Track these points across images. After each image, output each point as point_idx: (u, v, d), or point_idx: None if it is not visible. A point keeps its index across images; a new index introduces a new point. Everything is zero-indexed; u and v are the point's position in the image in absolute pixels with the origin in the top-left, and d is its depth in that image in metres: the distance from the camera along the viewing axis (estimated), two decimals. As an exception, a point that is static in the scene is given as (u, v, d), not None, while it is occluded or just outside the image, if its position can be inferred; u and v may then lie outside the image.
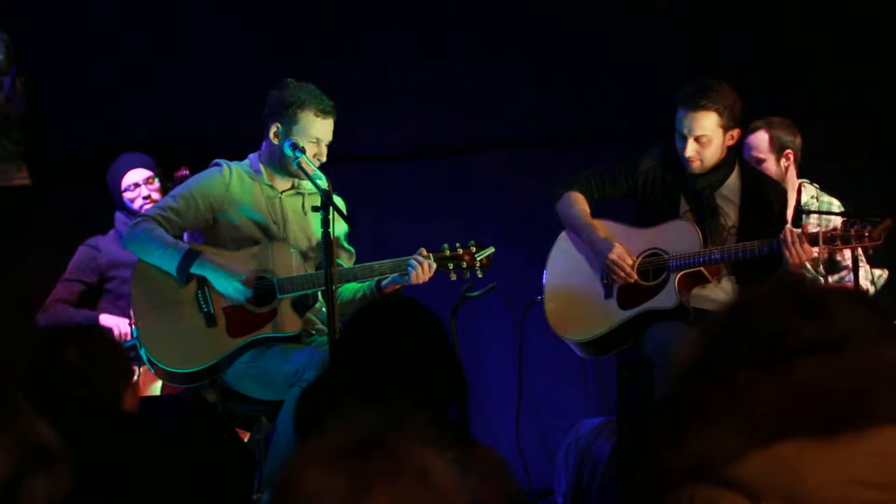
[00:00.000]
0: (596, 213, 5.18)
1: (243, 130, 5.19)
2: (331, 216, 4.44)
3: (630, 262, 4.98)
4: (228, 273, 4.72)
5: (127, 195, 5.79)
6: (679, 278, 4.89)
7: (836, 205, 5.62)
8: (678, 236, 4.94)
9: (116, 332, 5.51)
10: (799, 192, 5.59)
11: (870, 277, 5.32)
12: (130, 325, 5.30)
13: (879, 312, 1.94)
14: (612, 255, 4.97)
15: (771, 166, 5.53)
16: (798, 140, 5.64)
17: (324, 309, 4.76)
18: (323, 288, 4.53)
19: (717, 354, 1.92)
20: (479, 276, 4.88)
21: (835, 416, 1.83)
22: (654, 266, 4.98)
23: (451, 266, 4.84)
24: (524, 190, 6.43)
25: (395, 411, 1.82)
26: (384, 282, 4.83)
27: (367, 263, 4.83)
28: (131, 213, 5.71)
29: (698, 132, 4.91)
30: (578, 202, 5.15)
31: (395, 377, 2.81)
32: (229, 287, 4.72)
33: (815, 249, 4.77)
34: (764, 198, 5.04)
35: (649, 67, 6.43)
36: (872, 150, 6.42)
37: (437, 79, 6.59)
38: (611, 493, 5.24)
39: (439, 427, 2.57)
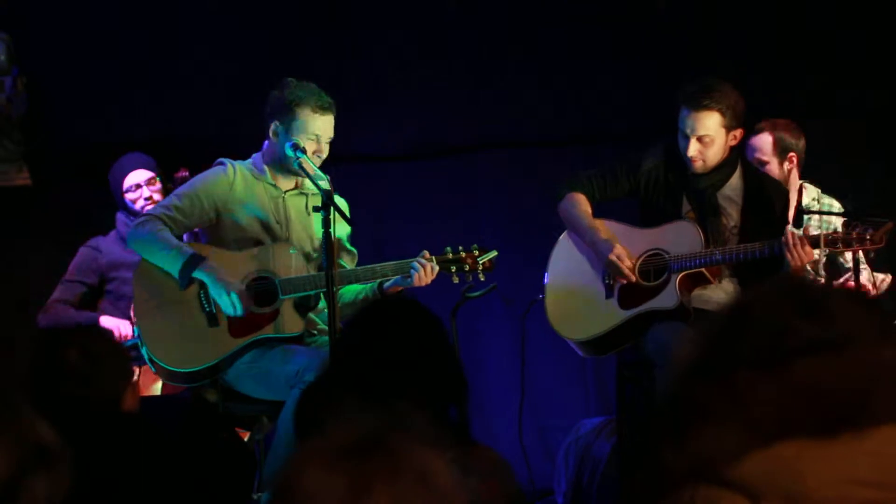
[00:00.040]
0: (598, 213, 5.18)
1: (243, 130, 5.20)
2: (331, 217, 4.45)
3: (630, 263, 4.98)
4: (226, 288, 4.71)
5: (128, 196, 5.79)
6: (680, 279, 4.90)
7: (837, 206, 5.62)
8: (680, 237, 4.94)
9: (117, 334, 5.51)
10: (800, 192, 5.59)
11: (872, 280, 5.32)
12: (133, 324, 5.30)
13: (879, 313, 1.94)
14: (612, 256, 4.97)
15: (774, 169, 5.53)
16: (802, 142, 5.64)
17: (326, 309, 4.75)
18: (325, 289, 4.53)
19: (717, 355, 1.92)
20: (482, 279, 4.89)
21: (835, 416, 1.83)
22: (656, 266, 4.98)
23: (453, 269, 4.85)
24: (524, 190, 6.43)
25: (395, 411, 1.82)
26: (386, 284, 4.83)
27: (369, 265, 4.83)
28: (132, 214, 5.71)
29: (701, 132, 4.91)
30: (580, 203, 5.15)
31: (396, 377, 2.81)
32: (226, 300, 4.71)
33: (817, 252, 4.77)
34: (766, 198, 5.04)
35: (649, 67, 6.43)
36: (872, 150, 6.43)
37: (437, 79, 6.59)
38: (611, 493, 5.24)
39: (439, 427, 2.56)
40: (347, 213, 4.79)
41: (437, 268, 4.78)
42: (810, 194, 5.66)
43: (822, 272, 5.44)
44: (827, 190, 5.75)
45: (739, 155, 5.12)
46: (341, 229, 4.87)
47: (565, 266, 5.19)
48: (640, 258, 5.01)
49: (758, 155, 5.56)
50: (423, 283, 4.73)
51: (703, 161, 4.96)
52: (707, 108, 4.88)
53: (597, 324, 5.04)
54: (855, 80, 6.42)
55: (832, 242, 4.72)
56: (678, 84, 5.02)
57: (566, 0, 6.60)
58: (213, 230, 4.90)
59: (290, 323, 4.76)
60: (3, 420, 2.03)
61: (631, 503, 2.00)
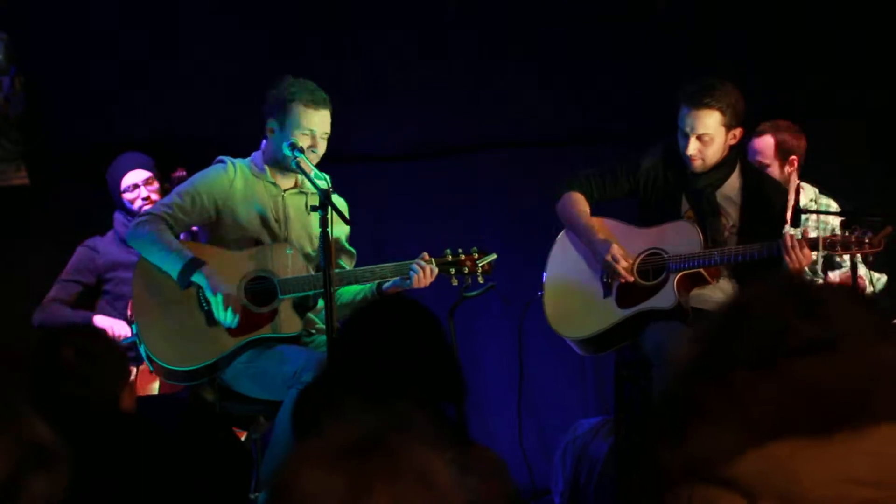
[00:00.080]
0: (597, 212, 5.18)
1: (243, 130, 5.20)
2: (329, 216, 4.45)
3: (626, 264, 4.98)
4: (223, 295, 4.71)
5: (126, 196, 5.79)
6: (678, 279, 4.89)
7: (834, 206, 5.64)
8: (679, 236, 4.94)
9: (111, 334, 5.51)
10: (798, 192, 5.59)
11: (869, 278, 5.33)
12: (131, 321, 5.30)
13: (877, 312, 1.94)
14: (609, 257, 4.97)
15: (775, 171, 5.54)
16: (802, 143, 5.66)
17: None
18: (323, 290, 4.54)
19: (714, 354, 1.92)
20: (481, 281, 4.89)
21: (832, 415, 1.84)
22: (654, 266, 4.98)
23: (452, 271, 4.86)
24: (524, 190, 6.43)
25: (394, 411, 1.82)
26: (385, 285, 4.83)
27: (368, 266, 4.83)
28: (130, 214, 5.71)
29: (701, 130, 4.91)
30: (578, 202, 5.15)
31: (394, 377, 2.81)
32: (220, 307, 4.71)
33: (815, 254, 4.77)
34: (765, 198, 5.04)
35: (649, 67, 6.43)
36: (872, 150, 6.43)
37: (437, 79, 6.59)
38: (608, 492, 5.24)
39: (438, 427, 2.56)
40: (346, 213, 4.79)
41: (436, 270, 4.78)
42: (808, 194, 5.67)
43: (820, 273, 5.44)
44: (825, 190, 5.76)
45: (739, 154, 5.12)
46: (340, 229, 4.88)
47: (564, 264, 5.19)
48: (638, 257, 5.01)
49: (759, 158, 5.57)
50: (422, 285, 4.73)
51: (703, 160, 4.96)
52: (707, 106, 4.88)
53: (595, 322, 5.05)
54: (855, 80, 6.42)
55: (831, 245, 4.72)
56: (678, 84, 5.01)
57: (566, 0, 6.60)
58: (213, 228, 4.91)
59: (289, 323, 4.76)
60: (2, 420, 2.03)
61: (628, 503, 2.00)
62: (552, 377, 6.41)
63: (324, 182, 4.68)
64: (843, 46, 6.39)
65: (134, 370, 5.29)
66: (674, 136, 5.01)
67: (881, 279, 5.45)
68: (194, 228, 5.07)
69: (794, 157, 5.61)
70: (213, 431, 4.67)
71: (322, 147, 4.84)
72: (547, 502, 5.79)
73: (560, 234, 5.23)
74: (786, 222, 5.12)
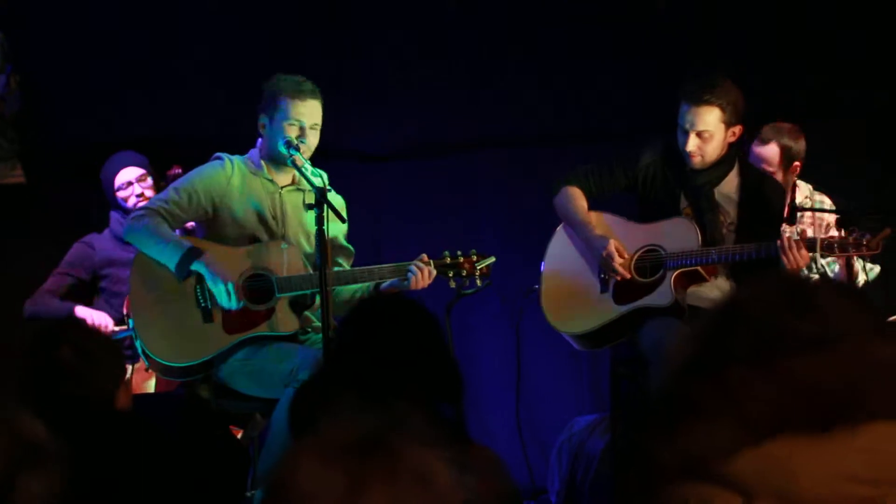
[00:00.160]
0: (597, 207, 5.18)
1: (243, 130, 5.19)
2: (325, 214, 4.45)
3: (623, 261, 4.98)
4: (223, 279, 4.72)
5: (120, 194, 5.81)
6: (675, 276, 4.89)
7: (828, 203, 5.68)
8: (676, 234, 4.94)
9: (89, 323, 5.53)
10: (793, 189, 5.62)
11: (862, 266, 5.35)
12: (127, 317, 5.30)
13: (872, 309, 1.94)
14: (606, 253, 4.97)
15: (778, 177, 5.55)
16: (803, 145, 5.69)
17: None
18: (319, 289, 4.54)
19: (709, 351, 1.92)
20: (479, 284, 4.90)
21: (827, 412, 1.83)
22: (652, 262, 4.98)
23: (451, 273, 4.87)
24: (524, 190, 6.43)
25: (392, 410, 1.81)
26: (383, 285, 4.83)
27: (367, 266, 4.83)
28: (125, 212, 5.72)
29: (700, 127, 4.91)
30: (576, 197, 5.15)
31: (392, 375, 2.81)
32: (222, 292, 4.72)
33: (812, 255, 4.78)
34: (764, 196, 5.04)
35: (649, 67, 6.43)
36: (872, 150, 6.42)
37: (437, 79, 6.60)
38: (604, 490, 5.24)
39: (436, 426, 2.56)
40: (343, 211, 4.79)
41: (434, 272, 4.79)
42: (802, 191, 5.70)
43: (818, 266, 5.45)
44: (819, 187, 5.77)
45: (738, 152, 5.11)
46: (337, 227, 4.88)
47: (561, 259, 5.19)
48: (636, 254, 5.01)
49: (764, 165, 5.58)
50: (420, 287, 4.74)
51: (702, 157, 4.96)
52: (707, 103, 4.88)
53: (591, 318, 5.05)
54: (855, 80, 6.42)
55: (829, 247, 4.72)
56: (678, 84, 5.01)
57: (566, 0, 6.60)
58: (210, 225, 4.91)
59: (285, 321, 4.77)
60: (-3, 419, 2.03)
61: (624, 501, 2.00)
62: (548, 374, 6.41)
63: (319, 180, 4.68)
64: (843, 46, 6.38)
65: (129, 368, 5.30)
66: (674, 136, 5.01)
67: (874, 269, 5.48)
68: (191, 225, 5.07)
69: (797, 163, 5.65)
70: (209, 429, 4.67)
71: (312, 139, 4.84)
72: (543, 501, 5.79)
73: (558, 229, 5.23)
74: (783, 220, 5.13)
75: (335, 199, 4.79)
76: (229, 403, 4.80)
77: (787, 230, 5.22)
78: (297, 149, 4.74)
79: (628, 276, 4.97)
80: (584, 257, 5.14)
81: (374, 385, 2.76)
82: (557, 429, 5.81)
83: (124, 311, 5.51)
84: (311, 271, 4.80)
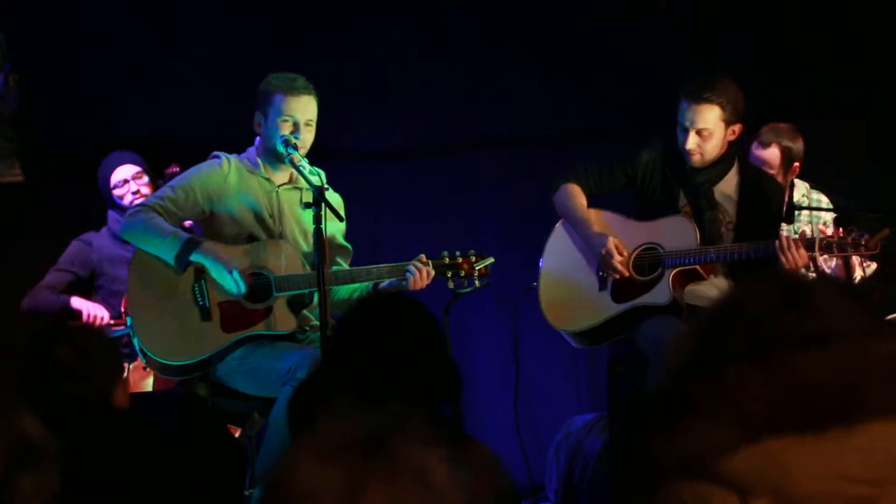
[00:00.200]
0: (596, 204, 5.18)
1: (243, 130, 5.19)
2: (323, 213, 4.46)
3: (621, 258, 4.98)
4: (227, 266, 4.73)
5: (116, 192, 5.82)
6: (673, 275, 4.89)
7: (826, 202, 5.70)
8: (675, 232, 4.94)
9: (85, 314, 5.55)
10: (791, 188, 5.63)
11: (859, 261, 5.37)
12: (125, 314, 5.31)
13: (869, 308, 1.94)
14: (605, 252, 4.97)
15: (779, 178, 5.56)
16: (801, 145, 5.72)
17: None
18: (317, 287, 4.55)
19: (707, 350, 1.92)
20: (477, 285, 4.90)
21: (824, 411, 1.83)
22: (650, 261, 4.98)
23: (449, 274, 4.87)
24: (524, 190, 6.43)
25: (391, 409, 1.81)
26: (381, 285, 4.83)
27: (365, 266, 4.83)
28: (122, 210, 5.73)
29: (700, 125, 4.90)
30: (575, 194, 5.15)
31: (391, 374, 2.81)
32: (227, 280, 4.73)
33: (812, 255, 4.78)
34: (763, 195, 5.03)
35: (649, 67, 6.43)
36: (872, 150, 6.42)
37: (437, 79, 6.60)
38: (602, 489, 5.24)
39: (434, 424, 2.56)
40: (342, 209, 4.78)
41: (432, 272, 4.78)
42: (799, 189, 5.71)
43: (814, 269, 5.46)
44: (815, 185, 5.78)
45: (738, 151, 5.11)
46: (335, 226, 4.87)
47: (560, 256, 5.19)
48: (634, 251, 5.01)
49: (766, 168, 5.59)
50: (419, 287, 4.73)
51: (701, 155, 4.95)
52: (707, 101, 4.88)
53: (589, 316, 5.04)
54: (855, 80, 6.42)
55: (827, 247, 4.72)
56: (678, 84, 5.01)
57: (566, 0, 6.60)
58: (208, 224, 4.91)
59: (283, 320, 4.77)
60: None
61: (622, 499, 2.00)
62: (546, 373, 6.41)
63: (317, 178, 4.68)
64: (843, 46, 6.39)
65: (127, 366, 5.31)
66: (674, 134, 5.00)
67: (871, 266, 5.49)
68: (188, 224, 5.07)
69: (797, 163, 5.67)
70: (207, 428, 4.67)
71: (307, 135, 4.84)
72: (541, 499, 5.80)
73: (556, 226, 5.22)
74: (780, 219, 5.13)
75: (333, 197, 4.79)
76: (227, 402, 4.80)
77: (784, 228, 5.23)
78: (296, 147, 4.75)
79: (627, 273, 4.97)
80: (582, 255, 5.14)
81: (372, 384, 2.76)
82: (555, 427, 5.81)
83: (122, 310, 5.52)
84: (309, 270, 4.80)
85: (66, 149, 6.37)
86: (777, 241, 4.72)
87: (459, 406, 2.90)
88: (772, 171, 5.56)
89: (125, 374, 3.28)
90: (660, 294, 4.89)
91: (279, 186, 4.92)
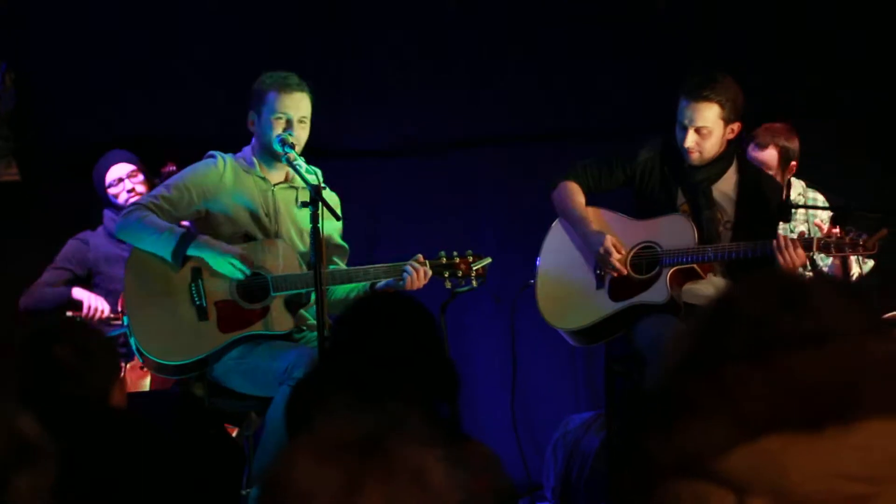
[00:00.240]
0: (594, 202, 5.18)
1: (243, 130, 5.19)
2: (320, 212, 4.46)
3: (620, 256, 4.98)
4: (225, 253, 4.73)
5: (111, 190, 5.84)
6: (671, 273, 4.89)
7: (821, 200, 5.70)
8: (673, 231, 4.93)
9: (86, 305, 5.55)
10: (787, 187, 5.63)
11: (857, 258, 5.38)
12: (122, 314, 5.31)
13: (867, 307, 1.94)
14: (602, 250, 4.97)
15: (777, 178, 5.56)
16: (797, 144, 5.73)
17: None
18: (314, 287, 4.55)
19: (704, 349, 1.92)
20: (474, 285, 4.89)
21: (821, 410, 1.83)
22: (648, 259, 4.97)
23: (446, 274, 4.87)
24: (523, 189, 6.43)
25: (388, 409, 1.81)
26: (378, 284, 4.83)
27: (362, 266, 4.83)
28: (118, 209, 5.73)
29: (699, 123, 4.90)
30: (574, 192, 5.14)
31: (388, 374, 2.81)
32: (227, 265, 4.73)
33: (810, 254, 4.78)
34: (761, 195, 5.03)
35: (649, 67, 6.43)
36: (872, 150, 6.42)
37: (437, 79, 6.60)
38: (599, 487, 5.24)
39: (432, 424, 2.56)
40: (338, 208, 4.78)
41: (430, 272, 4.78)
42: (795, 188, 5.72)
43: (811, 269, 5.46)
44: (811, 183, 5.79)
45: (736, 150, 5.11)
46: (331, 225, 4.87)
47: (557, 254, 5.19)
48: (632, 250, 5.01)
49: (764, 169, 5.59)
50: (416, 287, 4.73)
51: (700, 153, 4.95)
52: (706, 99, 4.87)
53: (587, 314, 5.04)
54: (855, 80, 6.42)
55: (825, 247, 4.72)
56: (678, 84, 5.01)
57: (566, 0, 6.60)
58: (204, 224, 4.90)
59: (280, 320, 4.76)
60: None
61: (619, 498, 2.00)
62: (543, 372, 6.41)
63: (314, 177, 4.68)
64: (843, 46, 6.39)
65: (124, 366, 5.31)
66: (673, 133, 5.00)
67: (868, 263, 5.49)
68: (185, 224, 5.07)
69: (794, 162, 5.69)
70: (204, 427, 4.67)
71: (301, 132, 4.84)
72: (538, 497, 5.80)
73: (554, 223, 5.22)
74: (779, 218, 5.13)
75: (330, 196, 4.78)
76: (224, 402, 4.80)
77: (781, 227, 5.23)
78: (293, 147, 4.75)
79: (625, 272, 4.97)
80: (580, 253, 5.13)
81: (369, 384, 2.76)
82: (553, 426, 5.82)
83: (119, 309, 5.52)
84: (306, 270, 4.81)
85: (66, 148, 6.37)
86: (775, 241, 4.72)
87: (457, 405, 2.90)
88: (770, 172, 5.56)
89: (122, 374, 3.27)
90: (657, 293, 4.89)
91: (275, 185, 4.92)
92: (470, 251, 4.90)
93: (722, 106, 4.88)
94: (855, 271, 5.46)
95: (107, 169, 5.86)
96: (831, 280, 2.25)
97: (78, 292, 5.63)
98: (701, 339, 1.94)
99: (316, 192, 4.48)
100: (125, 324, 4.89)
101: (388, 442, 1.66)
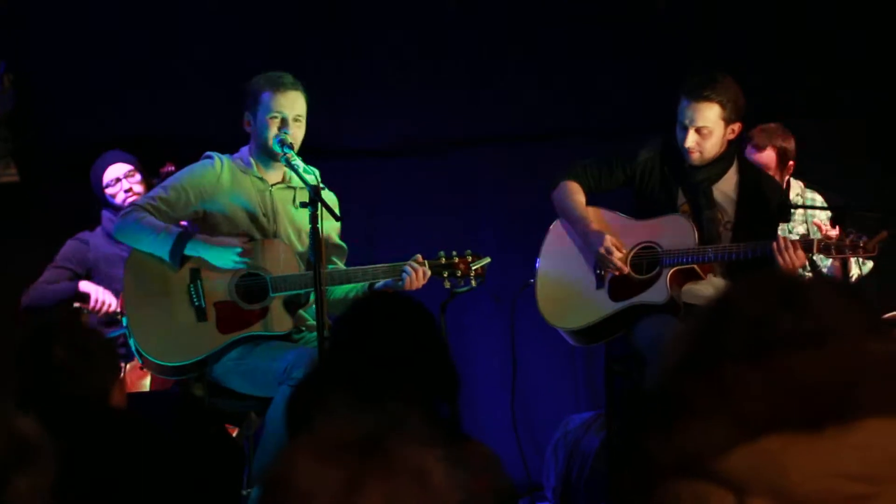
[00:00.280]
0: (595, 202, 5.18)
1: (243, 131, 5.20)
2: (319, 212, 4.46)
3: (621, 255, 4.97)
4: (224, 247, 4.74)
5: (109, 191, 5.83)
6: (671, 274, 4.89)
7: (820, 200, 5.71)
8: (674, 231, 4.93)
9: (94, 298, 5.55)
10: (787, 187, 5.65)
11: (856, 259, 5.39)
12: (121, 315, 5.31)
13: (865, 306, 1.94)
14: (602, 250, 4.96)
15: (776, 177, 5.57)
16: (793, 144, 5.73)
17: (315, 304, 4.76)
18: (313, 288, 4.55)
19: (703, 349, 1.92)
20: (473, 284, 4.89)
21: (821, 410, 1.83)
22: (648, 259, 4.97)
23: (445, 274, 4.86)
24: (523, 189, 6.43)
25: (390, 410, 1.81)
26: (377, 285, 4.83)
27: (361, 266, 4.83)
28: (116, 210, 5.73)
29: (700, 123, 4.89)
30: (574, 192, 5.14)
31: (389, 374, 2.81)
32: (227, 259, 4.73)
33: (811, 256, 4.79)
34: (762, 195, 5.03)
35: (649, 67, 6.43)
36: (872, 150, 6.42)
37: (437, 78, 6.60)
38: (599, 487, 5.25)
39: (432, 424, 2.56)
40: (336, 208, 4.78)
41: (429, 272, 4.78)
42: (794, 189, 5.72)
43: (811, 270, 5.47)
44: (810, 184, 5.79)
45: (737, 150, 5.11)
46: (330, 225, 4.86)
47: (557, 254, 5.18)
48: (632, 250, 5.01)
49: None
50: (415, 287, 4.73)
51: (701, 153, 4.94)
52: (707, 99, 4.87)
53: (586, 314, 5.04)
54: (855, 80, 6.42)
55: (826, 249, 4.72)
56: (678, 84, 5.01)
57: (566, 0, 6.60)
58: (202, 225, 4.90)
59: (279, 321, 4.76)
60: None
61: (619, 498, 2.00)
62: (543, 372, 6.41)
63: (313, 177, 4.68)
64: (843, 46, 6.39)
65: (124, 366, 5.31)
66: (673, 132, 5.00)
67: (867, 263, 5.50)
68: (184, 224, 5.08)
69: (791, 162, 5.70)
70: (204, 428, 4.67)
71: (297, 131, 4.84)
72: (539, 497, 5.80)
73: (554, 223, 5.22)
74: (779, 219, 5.14)
75: (328, 196, 4.78)
76: (223, 402, 4.80)
77: (780, 227, 5.24)
78: (292, 147, 4.75)
79: (625, 271, 4.97)
80: (580, 252, 5.13)
81: (370, 384, 2.76)
82: (553, 426, 5.82)
83: (118, 309, 5.52)
84: (305, 270, 4.81)
85: (66, 148, 6.37)
86: (775, 243, 4.72)
87: (457, 405, 2.90)
88: (770, 174, 5.57)
89: (122, 374, 3.28)
90: (658, 293, 4.89)
91: (272, 185, 4.92)
92: (469, 251, 4.90)
93: (723, 106, 4.88)
94: (854, 273, 5.46)
95: (104, 169, 5.86)
96: (831, 280, 2.25)
97: (85, 285, 5.62)
98: (700, 339, 1.94)
99: (315, 192, 4.48)
100: (124, 325, 4.90)
101: (388, 442, 1.66)
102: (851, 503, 1.81)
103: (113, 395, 3.05)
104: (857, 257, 4.85)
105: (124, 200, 5.73)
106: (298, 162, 4.72)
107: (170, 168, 5.83)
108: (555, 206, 5.19)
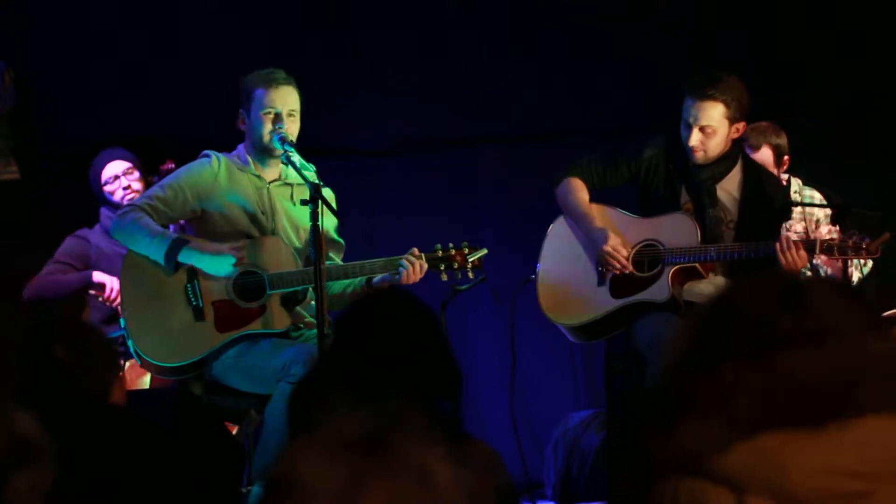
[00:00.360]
0: (598, 199, 5.18)
1: (237, 129, 5.20)
2: (319, 210, 4.46)
3: (624, 253, 4.97)
4: (217, 255, 4.73)
5: (107, 188, 5.84)
6: (673, 272, 4.89)
7: (818, 198, 5.71)
8: (676, 230, 4.93)
9: (109, 287, 5.55)
10: (785, 185, 5.66)
11: (857, 264, 5.39)
12: (120, 314, 5.31)
13: (865, 305, 1.94)
14: (607, 247, 4.96)
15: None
16: (785, 138, 5.75)
17: (313, 302, 4.76)
18: (312, 284, 4.56)
19: (703, 347, 1.92)
20: (471, 276, 4.89)
21: (819, 407, 1.83)
22: (650, 257, 4.97)
23: (442, 267, 4.85)
24: (523, 189, 6.43)
25: (392, 408, 1.81)
26: (374, 279, 4.84)
27: (358, 262, 4.83)
28: (114, 207, 5.73)
29: (704, 122, 4.89)
30: (577, 188, 5.13)
31: (390, 372, 2.80)
32: (220, 268, 4.73)
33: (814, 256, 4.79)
34: (765, 194, 5.03)
35: (649, 67, 6.43)
36: (872, 150, 6.42)
37: (437, 78, 6.60)
38: (599, 485, 5.25)
39: (434, 422, 2.56)
40: (334, 204, 4.79)
41: (426, 265, 4.78)
42: (793, 187, 5.73)
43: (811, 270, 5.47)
44: (808, 181, 5.80)
45: (741, 149, 5.11)
46: (328, 221, 4.86)
47: (559, 250, 5.18)
48: (634, 248, 5.00)
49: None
50: (412, 281, 4.73)
51: (704, 152, 4.94)
52: (711, 98, 4.87)
53: (588, 310, 5.04)
54: (855, 80, 6.42)
55: (828, 250, 4.72)
56: (678, 84, 5.01)
57: (566, 0, 6.60)
58: (200, 224, 4.91)
59: (278, 318, 4.76)
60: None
61: (619, 496, 2.00)
62: (543, 370, 6.41)
63: (311, 174, 4.68)
64: (843, 46, 6.39)
65: (124, 364, 5.31)
66: (677, 131, 5.00)
67: (867, 263, 5.50)
68: (183, 223, 5.08)
69: (786, 157, 5.70)
70: (204, 425, 4.67)
71: (291, 126, 4.84)
72: (539, 495, 5.80)
73: (557, 220, 5.21)
74: (784, 219, 5.13)
75: (326, 192, 4.79)
76: (223, 400, 4.80)
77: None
78: (292, 144, 4.75)
79: (628, 269, 4.97)
80: (582, 249, 5.12)
81: (371, 382, 2.75)
82: (552, 424, 5.82)
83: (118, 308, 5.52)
84: (302, 266, 4.81)
85: (66, 148, 6.37)
86: (777, 243, 4.72)
87: (459, 403, 2.90)
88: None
89: (122, 372, 3.27)
90: (659, 291, 4.89)
91: (270, 183, 4.92)
92: (465, 243, 4.89)
93: (727, 105, 4.88)
94: (856, 277, 5.45)
95: (102, 167, 5.86)
96: (831, 280, 2.25)
97: (99, 275, 5.62)
98: (700, 338, 1.94)
99: (315, 190, 4.48)
100: (122, 326, 4.90)
101: (391, 440, 1.65)
102: (850, 501, 1.81)
103: (113, 393, 3.04)
104: (860, 259, 4.85)
105: (123, 198, 5.74)
106: (298, 159, 4.73)
107: (170, 165, 5.83)
108: (558, 201, 5.19)
